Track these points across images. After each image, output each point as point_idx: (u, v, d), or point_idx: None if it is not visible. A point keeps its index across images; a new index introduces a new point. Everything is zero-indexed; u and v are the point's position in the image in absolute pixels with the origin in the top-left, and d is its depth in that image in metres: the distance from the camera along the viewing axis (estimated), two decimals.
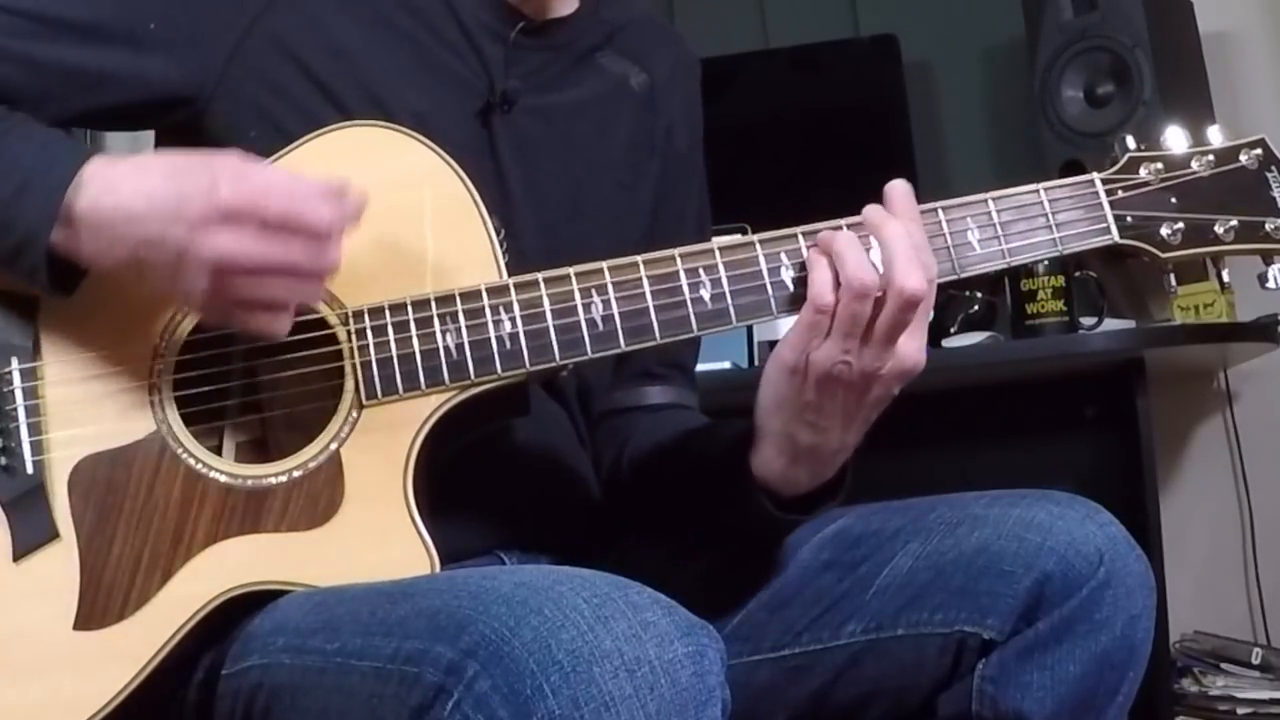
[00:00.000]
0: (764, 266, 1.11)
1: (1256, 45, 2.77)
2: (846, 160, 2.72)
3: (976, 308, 2.45)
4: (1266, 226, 1.16)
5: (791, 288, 1.11)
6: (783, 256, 1.11)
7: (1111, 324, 2.37)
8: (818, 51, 2.92)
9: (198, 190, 1.02)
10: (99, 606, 1.06)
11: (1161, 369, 2.51)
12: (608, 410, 1.36)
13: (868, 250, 1.08)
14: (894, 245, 1.07)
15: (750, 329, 2.38)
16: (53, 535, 1.07)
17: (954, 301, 2.45)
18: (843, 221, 1.11)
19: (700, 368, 1.44)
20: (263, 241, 1.02)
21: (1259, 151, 1.17)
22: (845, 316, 1.06)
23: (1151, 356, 2.37)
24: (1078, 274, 2.35)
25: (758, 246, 1.12)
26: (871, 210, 1.10)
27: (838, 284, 1.07)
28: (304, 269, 1.04)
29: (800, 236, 1.11)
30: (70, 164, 1.05)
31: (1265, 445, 2.69)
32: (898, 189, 1.11)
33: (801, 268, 1.10)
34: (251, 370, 1.13)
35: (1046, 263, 2.29)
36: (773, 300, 1.11)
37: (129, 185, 1.04)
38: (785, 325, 1.12)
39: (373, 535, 1.08)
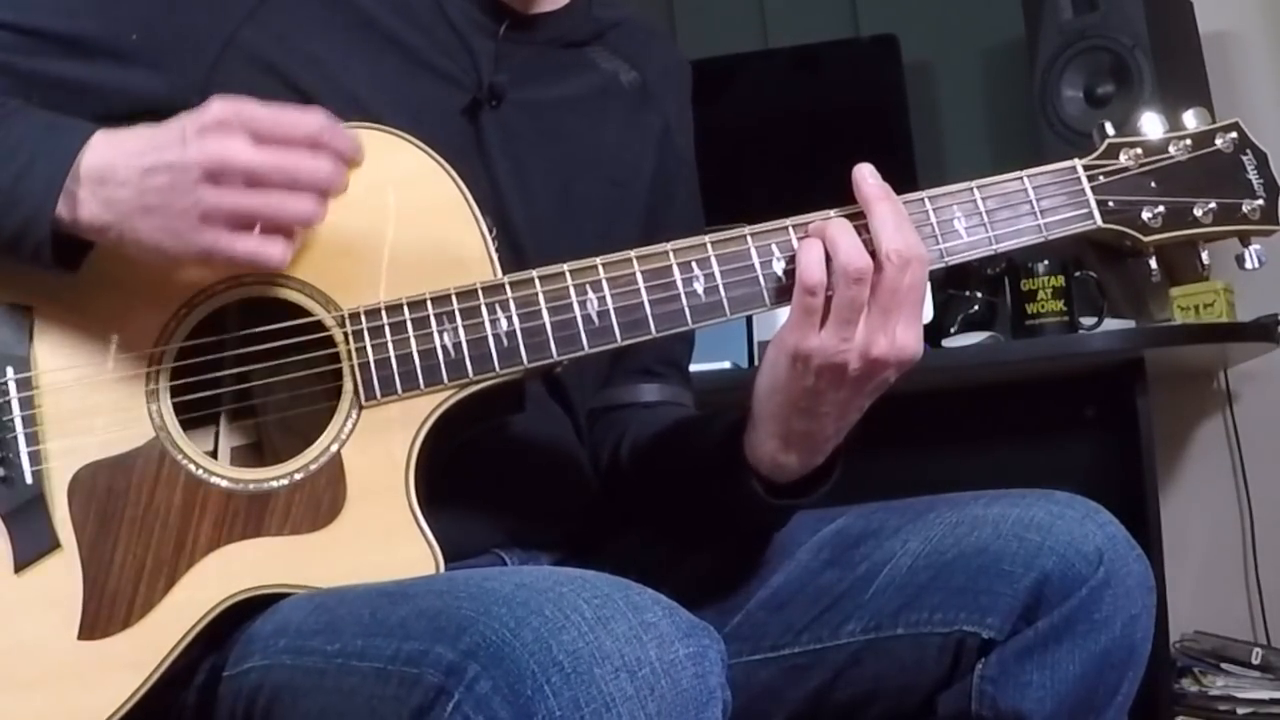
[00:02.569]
0: (755, 259, 1.12)
1: (1256, 45, 2.77)
2: (846, 160, 2.70)
3: (976, 308, 2.45)
4: (1243, 208, 1.17)
5: (783, 279, 1.12)
6: (774, 248, 1.12)
7: (1111, 324, 2.37)
8: (818, 51, 2.92)
9: (190, 117, 1.05)
10: (102, 615, 1.06)
11: (1161, 369, 2.51)
12: (604, 406, 1.36)
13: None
14: (882, 218, 1.09)
15: (750, 329, 2.38)
16: (54, 545, 1.07)
17: (954, 301, 2.45)
18: (831, 212, 1.12)
19: (701, 367, 1.44)
20: (257, 145, 1.03)
21: (1234, 135, 1.19)
22: (843, 302, 1.07)
23: (1151, 356, 2.37)
24: (1078, 274, 2.35)
25: (749, 239, 1.12)
26: (859, 187, 1.12)
27: (825, 262, 1.08)
28: (302, 176, 1.04)
29: (791, 228, 1.13)
30: (78, 136, 1.06)
31: (1265, 445, 2.69)
32: (865, 172, 1.12)
33: (793, 259, 1.11)
34: (247, 375, 1.12)
35: (1046, 262, 2.30)
36: (765, 292, 1.12)
37: (131, 135, 1.06)
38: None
39: (376, 536, 1.08)
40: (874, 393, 1.12)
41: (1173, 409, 2.70)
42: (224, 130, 1.03)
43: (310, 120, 1.05)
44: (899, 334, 1.08)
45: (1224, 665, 2.48)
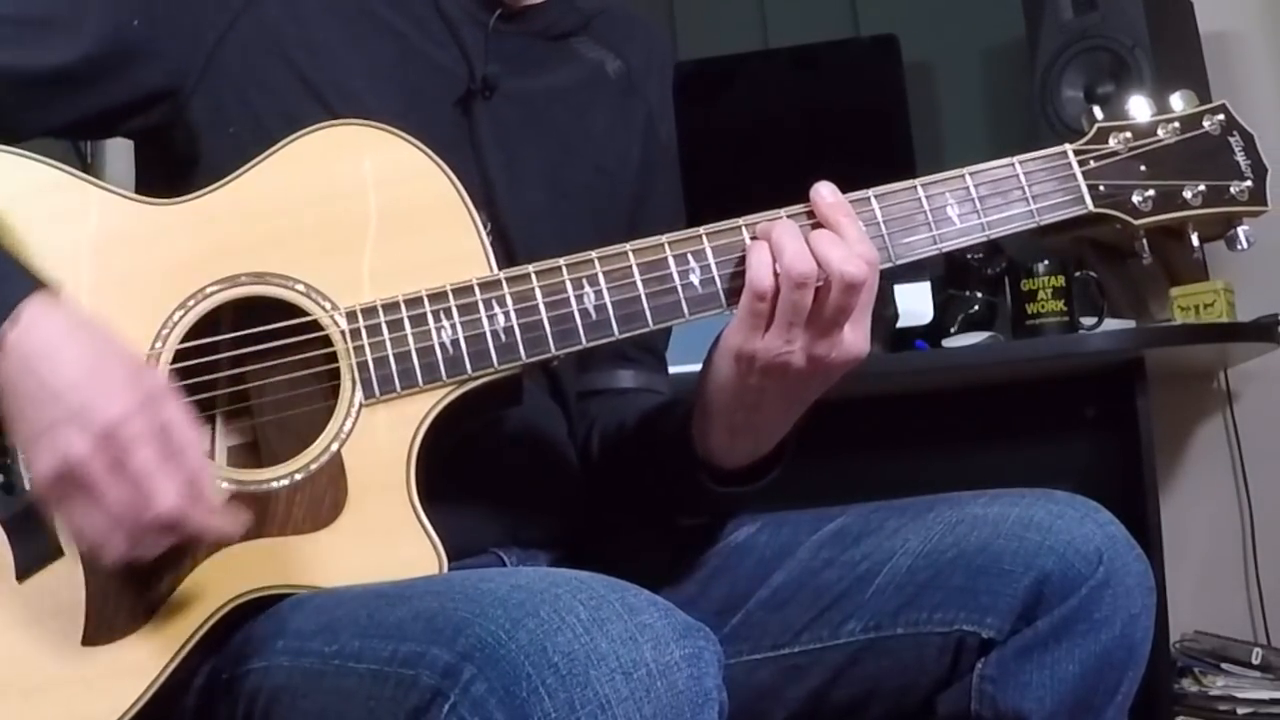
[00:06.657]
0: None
1: (1256, 45, 2.77)
2: (846, 160, 2.72)
3: (976, 308, 2.45)
4: (1232, 189, 1.19)
5: None
6: None
7: (1111, 324, 2.37)
8: (818, 51, 2.92)
9: (106, 386, 0.98)
10: (106, 621, 1.05)
11: (1161, 369, 2.51)
12: (579, 392, 1.35)
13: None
14: (829, 240, 1.09)
15: None
16: (55, 552, 1.05)
17: (954, 301, 2.45)
18: (781, 212, 1.13)
19: (696, 368, 1.44)
20: (112, 481, 0.97)
21: (1221, 117, 1.20)
22: (786, 306, 1.08)
23: (1151, 356, 2.37)
24: (1078, 274, 2.35)
25: (744, 230, 1.13)
26: (814, 196, 1.12)
27: (776, 269, 1.08)
28: (128, 526, 0.98)
29: (784, 217, 1.12)
30: (16, 293, 1.01)
31: (1265, 445, 2.69)
32: (822, 191, 1.12)
33: None
34: (244, 374, 1.12)
35: (1047, 262, 2.30)
36: None
37: (56, 339, 1.00)
38: None
39: (379, 535, 1.08)
40: (819, 389, 1.13)
41: (1173, 409, 2.70)
42: (100, 443, 0.96)
43: (170, 499, 0.97)
44: (846, 334, 1.10)
45: (1224, 665, 2.48)
